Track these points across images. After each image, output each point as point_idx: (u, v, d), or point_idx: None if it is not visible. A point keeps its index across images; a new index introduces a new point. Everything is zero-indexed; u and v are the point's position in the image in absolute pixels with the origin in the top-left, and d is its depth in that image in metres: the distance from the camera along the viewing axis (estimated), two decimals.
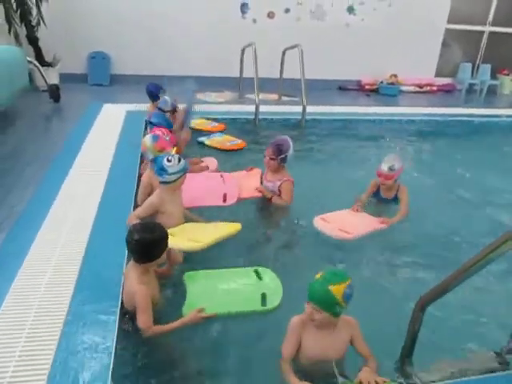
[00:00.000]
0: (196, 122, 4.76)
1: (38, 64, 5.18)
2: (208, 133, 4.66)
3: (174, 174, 2.50)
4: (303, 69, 5.24)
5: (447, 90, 7.53)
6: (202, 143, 4.46)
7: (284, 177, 3.11)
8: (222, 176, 3.31)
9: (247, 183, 3.31)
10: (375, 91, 7.18)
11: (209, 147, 4.41)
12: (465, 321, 2.18)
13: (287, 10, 6.69)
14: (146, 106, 4.69)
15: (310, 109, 5.79)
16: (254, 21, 6.65)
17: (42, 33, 5.82)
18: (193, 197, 2.92)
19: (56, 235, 2.45)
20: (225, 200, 3.05)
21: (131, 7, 6.23)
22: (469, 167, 4.39)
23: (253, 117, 5.18)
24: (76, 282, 2.04)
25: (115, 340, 1.70)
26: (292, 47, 5.47)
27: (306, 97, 5.11)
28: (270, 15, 6.66)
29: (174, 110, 3.96)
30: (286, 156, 3.07)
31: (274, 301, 2.03)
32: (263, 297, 2.04)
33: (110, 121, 4.72)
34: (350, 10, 6.86)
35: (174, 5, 6.34)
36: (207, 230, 2.51)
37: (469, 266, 1.54)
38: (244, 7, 6.54)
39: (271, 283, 2.14)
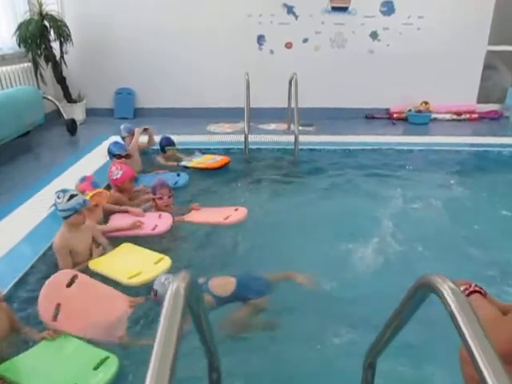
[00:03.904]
0: (198, 161, 4.63)
1: (55, 101, 5.69)
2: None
3: (63, 210, 2.56)
4: (297, 97, 5.06)
5: (492, 118, 6.73)
6: (186, 167, 4.50)
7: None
8: (160, 215, 3.28)
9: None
10: (404, 120, 6.68)
11: (193, 169, 4.45)
12: None
13: (305, 40, 6.57)
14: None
15: (312, 138, 5.61)
16: (271, 51, 6.64)
17: (73, 73, 6.41)
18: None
19: None
20: (153, 229, 3.08)
21: (153, 49, 6.57)
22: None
23: (257, 146, 5.17)
24: None
25: None
26: (292, 77, 5.31)
27: (297, 127, 4.90)
28: (288, 45, 6.60)
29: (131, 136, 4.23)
30: None
31: None
32: None
33: (103, 151, 4.98)
34: (374, 35, 6.54)
35: (193, 48, 6.58)
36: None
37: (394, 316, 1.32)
38: (261, 39, 6.57)
39: (97, 378, 1.91)
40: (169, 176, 4.07)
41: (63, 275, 2.35)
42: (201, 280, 2.41)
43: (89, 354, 2.03)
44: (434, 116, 6.65)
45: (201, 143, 5.36)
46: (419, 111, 6.50)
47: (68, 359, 2.01)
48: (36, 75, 5.76)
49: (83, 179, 3.12)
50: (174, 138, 4.93)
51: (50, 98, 5.67)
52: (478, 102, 6.85)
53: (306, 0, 6.36)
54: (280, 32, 6.53)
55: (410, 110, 6.59)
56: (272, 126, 6.32)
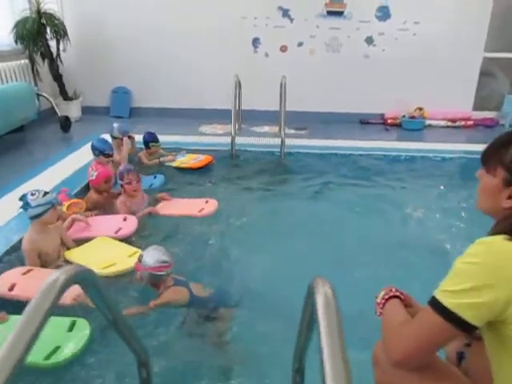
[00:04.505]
0: (181, 160, 4.68)
1: (49, 98, 5.77)
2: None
3: (38, 206, 2.59)
4: (285, 100, 5.08)
5: (487, 126, 6.66)
6: (169, 166, 4.57)
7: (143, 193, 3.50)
8: (125, 218, 3.27)
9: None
10: (398, 125, 6.64)
11: (177, 168, 4.52)
12: None
13: (300, 44, 6.58)
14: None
15: (302, 142, 5.63)
16: (266, 54, 6.66)
17: (70, 70, 6.51)
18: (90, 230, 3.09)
19: None
20: (117, 232, 3.09)
21: (150, 49, 6.64)
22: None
23: (249, 148, 5.23)
24: None
25: None
26: (282, 79, 5.32)
27: (283, 130, 4.93)
28: (283, 49, 6.62)
29: (121, 139, 4.20)
30: None
31: (59, 357, 1.92)
32: (54, 350, 1.94)
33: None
34: (369, 40, 6.52)
35: (191, 48, 6.64)
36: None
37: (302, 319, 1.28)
38: (256, 42, 6.60)
39: (76, 337, 2.02)
40: (145, 179, 4.07)
41: (20, 268, 2.50)
42: (180, 277, 2.46)
43: (54, 322, 2.06)
44: (428, 122, 6.61)
45: (191, 144, 5.39)
46: (413, 117, 6.46)
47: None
48: (33, 72, 5.86)
49: (59, 192, 3.19)
50: (166, 138, 4.97)
51: (44, 94, 5.75)
52: (474, 109, 6.79)
53: (302, 3, 6.37)
54: (275, 35, 6.55)
55: (404, 116, 6.55)
56: (265, 129, 6.34)
